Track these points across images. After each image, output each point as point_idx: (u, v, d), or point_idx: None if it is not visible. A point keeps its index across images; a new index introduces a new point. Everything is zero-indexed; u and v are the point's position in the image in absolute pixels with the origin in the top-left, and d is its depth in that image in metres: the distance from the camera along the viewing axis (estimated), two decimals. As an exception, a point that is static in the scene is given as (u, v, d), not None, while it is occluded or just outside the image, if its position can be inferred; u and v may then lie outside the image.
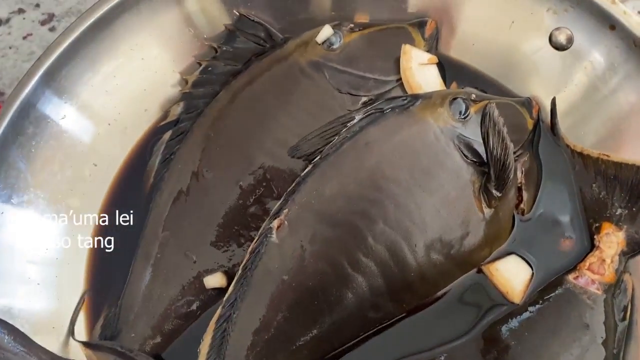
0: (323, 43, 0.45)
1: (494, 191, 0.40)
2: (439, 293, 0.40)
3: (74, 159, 0.44)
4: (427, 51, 0.46)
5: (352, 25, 0.46)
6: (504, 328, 0.39)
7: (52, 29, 0.57)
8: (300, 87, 0.44)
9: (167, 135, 0.46)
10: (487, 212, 0.40)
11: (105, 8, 0.43)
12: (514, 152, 0.41)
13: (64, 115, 0.44)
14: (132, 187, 0.45)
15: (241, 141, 0.44)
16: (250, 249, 0.39)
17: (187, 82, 0.47)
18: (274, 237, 0.38)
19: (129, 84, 0.46)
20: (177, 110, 0.46)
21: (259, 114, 0.44)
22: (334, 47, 0.45)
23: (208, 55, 0.47)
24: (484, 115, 0.38)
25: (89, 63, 0.44)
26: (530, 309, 0.40)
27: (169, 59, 0.47)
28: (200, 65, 0.47)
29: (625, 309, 0.39)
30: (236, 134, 0.44)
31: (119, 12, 0.44)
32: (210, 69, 0.47)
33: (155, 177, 0.45)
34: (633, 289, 0.40)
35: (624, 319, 0.39)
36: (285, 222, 0.39)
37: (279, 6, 0.48)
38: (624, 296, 0.39)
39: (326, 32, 0.45)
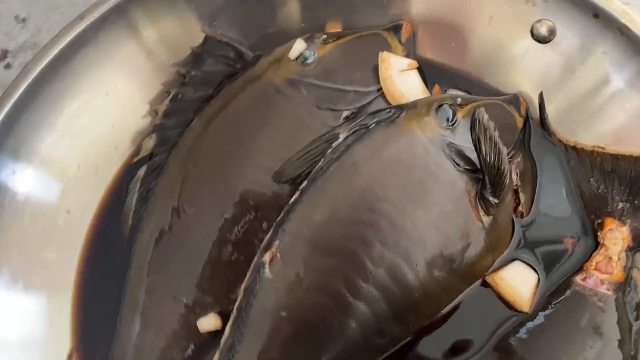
0: (297, 58, 0.43)
1: (490, 198, 0.38)
2: (445, 310, 0.39)
3: (45, 210, 0.41)
4: (406, 56, 0.44)
5: (325, 36, 0.44)
6: (515, 340, 0.38)
7: (7, 66, 0.53)
8: (277, 108, 0.42)
9: (141, 171, 0.43)
10: (486, 220, 0.39)
11: (62, 44, 0.40)
12: (507, 154, 0.39)
13: (29, 162, 0.41)
14: (111, 231, 0.43)
15: (221, 170, 0.42)
16: (243, 287, 0.36)
17: (157, 113, 0.44)
18: (267, 271, 0.36)
19: (95, 122, 0.43)
20: (150, 143, 0.44)
21: (236, 139, 0.42)
22: (309, 61, 0.43)
23: (177, 82, 0.45)
24: (474, 122, 0.36)
25: (50, 104, 0.41)
26: (540, 316, 0.38)
27: (135, 90, 0.44)
28: (169, 93, 0.44)
29: (637, 307, 0.38)
30: (215, 163, 0.42)
31: (77, 47, 0.41)
32: (180, 96, 0.44)
33: (134, 218, 0.42)
34: (643, 285, 0.38)
35: (637, 318, 0.37)
36: (278, 254, 0.36)
37: (245, 23, 0.45)
38: (635, 294, 0.38)
39: (299, 46, 0.43)
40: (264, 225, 0.40)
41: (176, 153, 0.43)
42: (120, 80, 0.43)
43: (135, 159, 0.44)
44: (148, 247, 0.41)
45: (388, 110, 0.39)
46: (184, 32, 0.44)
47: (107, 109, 0.43)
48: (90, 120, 0.43)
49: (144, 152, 0.44)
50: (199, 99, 0.44)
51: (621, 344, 0.37)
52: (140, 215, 0.42)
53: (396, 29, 0.45)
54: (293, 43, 0.43)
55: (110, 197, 0.43)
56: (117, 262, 0.41)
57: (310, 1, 0.46)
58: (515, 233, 0.41)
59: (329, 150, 0.38)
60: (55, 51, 0.40)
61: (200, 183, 0.42)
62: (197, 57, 0.45)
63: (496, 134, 0.36)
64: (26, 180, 0.40)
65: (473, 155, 0.38)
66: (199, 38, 0.45)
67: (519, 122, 0.42)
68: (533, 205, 0.41)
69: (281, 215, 0.37)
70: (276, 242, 0.37)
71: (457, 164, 0.39)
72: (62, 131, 0.42)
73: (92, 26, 0.40)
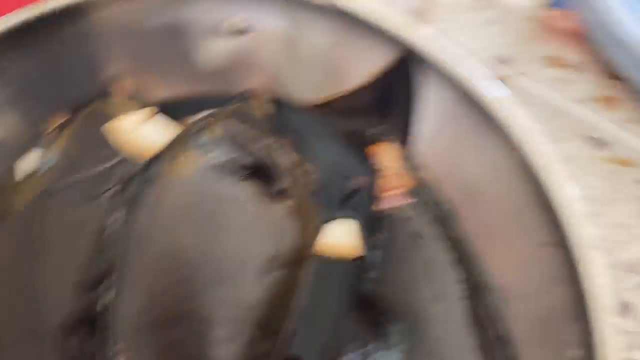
0: (34, 173, 0.41)
1: (280, 186, 0.41)
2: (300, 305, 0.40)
3: None
4: (135, 110, 0.44)
5: (48, 132, 0.42)
6: (371, 282, 0.41)
7: None
8: (48, 226, 0.40)
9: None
10: (288, 204, 0.41)
11: None
12: (274, 142, 0.42)
13: None
14: None
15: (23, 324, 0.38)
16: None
17: None
18: (128, 378, 0.35)
19: None
20: None
21: (20, 283, 0.39)
22: (49, 165, 0.41)
23: None
24: (228, 137, 0.39)
25: None
26: (376, 253, 0.41)
27: None
28: None
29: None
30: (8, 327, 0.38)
31: None
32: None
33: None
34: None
35: (437, 203, 0.43)
36: (128, 354, 0.35)
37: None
38: (425, 194, 0.43)
39: (30, 160, 0.41)
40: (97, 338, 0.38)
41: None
42: None
43: None
44: None
45: (145, 168, 0.39)
46: None
47: None
48: None
49: None
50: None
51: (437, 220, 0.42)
52: None
53: (106, 95, 0.44)
54: (24, 160, 0.41)
55: None
56: None
57: (27, 105, 0.43)
58: (316, 200, 0.44)
59: (116, 236, 0.37)
60: None
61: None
62: None
63: (253, 132, 0.39)
64: None
65: (245, 160, 0.40)
66: None
67: (259, 111, 0.45)
68: (316, 170, 0.44)
69: (108, 319, 0.36)
70: (119, 345, 0.36)
71: (235, 176, 0.40)
72: None
73: None
